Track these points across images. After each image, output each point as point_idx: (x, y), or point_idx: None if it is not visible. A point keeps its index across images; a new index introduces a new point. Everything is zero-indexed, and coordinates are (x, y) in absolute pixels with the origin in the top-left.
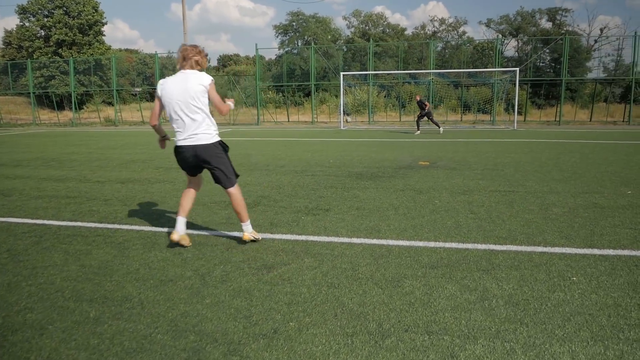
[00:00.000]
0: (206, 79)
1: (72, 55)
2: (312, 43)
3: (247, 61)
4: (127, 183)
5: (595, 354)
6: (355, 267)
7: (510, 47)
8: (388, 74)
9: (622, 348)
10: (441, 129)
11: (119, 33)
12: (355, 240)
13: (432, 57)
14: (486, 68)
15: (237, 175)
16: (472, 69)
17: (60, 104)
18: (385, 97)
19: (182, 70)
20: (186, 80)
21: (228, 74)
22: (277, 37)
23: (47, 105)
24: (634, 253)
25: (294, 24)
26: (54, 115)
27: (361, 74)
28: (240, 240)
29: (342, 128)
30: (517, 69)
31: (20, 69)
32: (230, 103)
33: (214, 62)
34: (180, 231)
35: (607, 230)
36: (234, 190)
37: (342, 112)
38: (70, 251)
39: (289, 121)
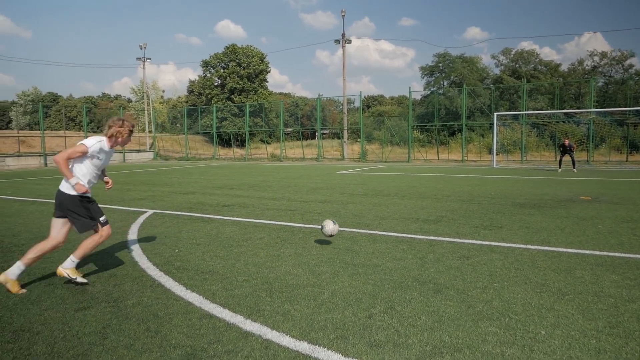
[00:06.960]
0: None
1: (242, 101)
2: (464, 85)
3: (392, 102)
4: (327, 203)
5: None
6: (534, 261)
7: None
8: (546, 114)
9: None
10: (575, 169)
11: (270, 78)
12: (530, 246)
13: (593, 94)
14: None
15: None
16: None
17: (228, 142)
18: (537, 136)
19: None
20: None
21: (373, 114)
22: (423, 78)
23: (218, 143)
24: None
25: (441, 65)
26: (228, 151)
27: (513, 114)
28: None
29: (495, 166)
30: None
31: (198, 112)
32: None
33: (357, 103)
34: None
35: None
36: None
37: (495, 150)
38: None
39: (438, 159)
